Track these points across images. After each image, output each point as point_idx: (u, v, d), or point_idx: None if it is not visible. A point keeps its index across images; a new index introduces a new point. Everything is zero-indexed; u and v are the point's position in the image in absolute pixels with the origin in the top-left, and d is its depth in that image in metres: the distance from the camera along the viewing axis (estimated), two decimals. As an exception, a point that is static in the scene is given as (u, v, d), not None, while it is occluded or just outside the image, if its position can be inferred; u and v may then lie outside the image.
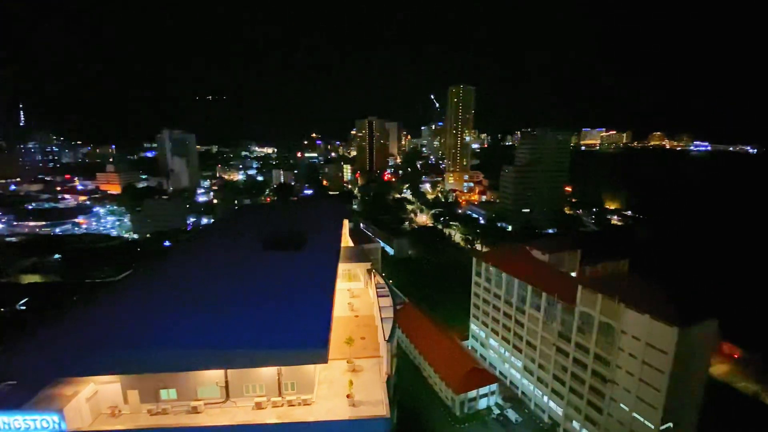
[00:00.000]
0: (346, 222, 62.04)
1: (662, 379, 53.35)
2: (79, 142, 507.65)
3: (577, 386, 67.39)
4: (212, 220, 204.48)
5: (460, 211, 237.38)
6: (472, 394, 75.15)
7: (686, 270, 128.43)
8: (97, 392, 27.39)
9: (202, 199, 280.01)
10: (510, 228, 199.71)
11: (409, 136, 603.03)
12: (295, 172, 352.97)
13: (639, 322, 55.54)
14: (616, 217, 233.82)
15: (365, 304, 43.98)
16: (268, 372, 28.23)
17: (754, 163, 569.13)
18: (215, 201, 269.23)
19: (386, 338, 31.38)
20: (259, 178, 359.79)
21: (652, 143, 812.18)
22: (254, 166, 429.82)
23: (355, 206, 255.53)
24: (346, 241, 59.59)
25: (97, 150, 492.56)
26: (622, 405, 59.46)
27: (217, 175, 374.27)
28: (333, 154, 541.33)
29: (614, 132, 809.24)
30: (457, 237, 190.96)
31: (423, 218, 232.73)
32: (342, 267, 45.89)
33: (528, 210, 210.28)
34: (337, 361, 32.70)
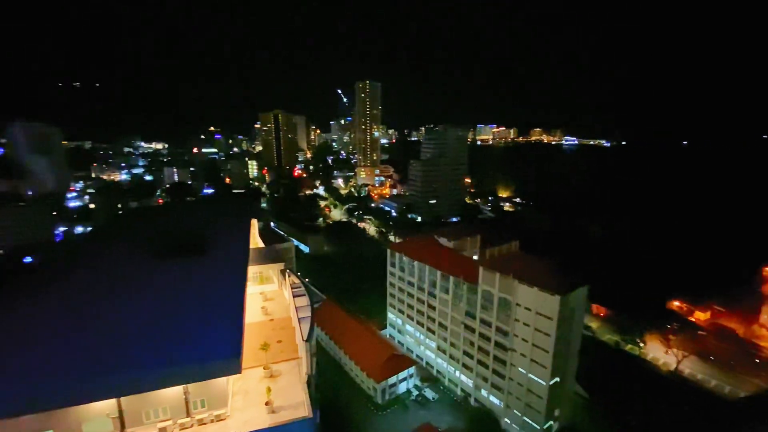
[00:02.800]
0: (254, 222, 58.70)
1: (550, 341, 62.09)
2: None
3: (483, 358, 74.67)
4: (90, 229, 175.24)
5: (373, 204, 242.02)
6: (392, 380, 78.01)
7: (562, 245, 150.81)
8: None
9: (75, 204, 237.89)
10: (419, 219, 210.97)
11: (318, 131, 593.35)
12: (192, 169, 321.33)
13: (529, 294, 63.64)
14: (508, 203, 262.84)
15: (280, 307, 42.33)
16: (172, 392, 25.42)
17: (608, 154, 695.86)
18: (92, 206, 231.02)
19: (304, 338, 30.68)
20: (148, 178, 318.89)
21: (534, 138, 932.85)
22: (141, 164, 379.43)
23: (263, 204, 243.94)
24: (256, 242, 56.48)
25: None
26: (520, 369, 67.69)
27: (93, 175, 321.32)
28: (236, 149, 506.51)
29: (504, 128, 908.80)
30: (372, 230, 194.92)
31: (337, 214, 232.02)
32: (252, 270, 43.39)
33: (434, 201, 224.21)
34: (253, 369, 31.01)
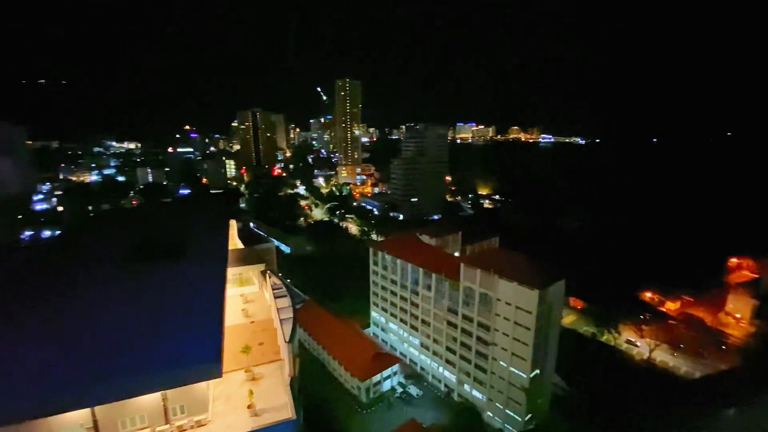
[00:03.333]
0: (233, 223, 57.66)
1: (529, 334, 63.55)
2: None
3: (465, 353, 75.76)
4: (58, 233, 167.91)
5: (355, 203, 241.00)
6: (377, 378, 78.18)
7: (540, 240, 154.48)
8: None
9: (41, 207, 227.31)
10: (401, 217, 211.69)
11: (297, 129, 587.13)
12: (167, 169, 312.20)
13: (509, 289, 64.94)
14: (487, 201, 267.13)
15: (261, 308, 41.80)
16: (149, 399, 24.77)
17: (583, 151, 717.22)
18: (61, 208, 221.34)
19: (286, 339, 30.43)
20: (120, 179, 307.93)
21: (512, 136, 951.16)
22: (112, 164, 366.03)
23: (242, 205, 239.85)
24: (235, 243, 55.50)
25: None
26: (501, 362, 69.04)
27: (61, 176, 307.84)
28: (212, 148, 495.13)
29: (482, 126, 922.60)
30: (354, 229, 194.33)
31: (318, 213, 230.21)
32: (231, 272, 42.65)
33: (416, 199, 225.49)
34: (234, 373, 30.55)
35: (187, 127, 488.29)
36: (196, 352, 24.06)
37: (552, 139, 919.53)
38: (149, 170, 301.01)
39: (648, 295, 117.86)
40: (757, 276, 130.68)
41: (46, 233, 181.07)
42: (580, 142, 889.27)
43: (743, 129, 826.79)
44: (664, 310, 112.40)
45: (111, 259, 37.23)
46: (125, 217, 71.13)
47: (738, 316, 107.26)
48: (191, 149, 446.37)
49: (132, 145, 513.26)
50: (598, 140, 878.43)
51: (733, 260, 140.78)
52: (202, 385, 26.03)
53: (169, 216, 59.11)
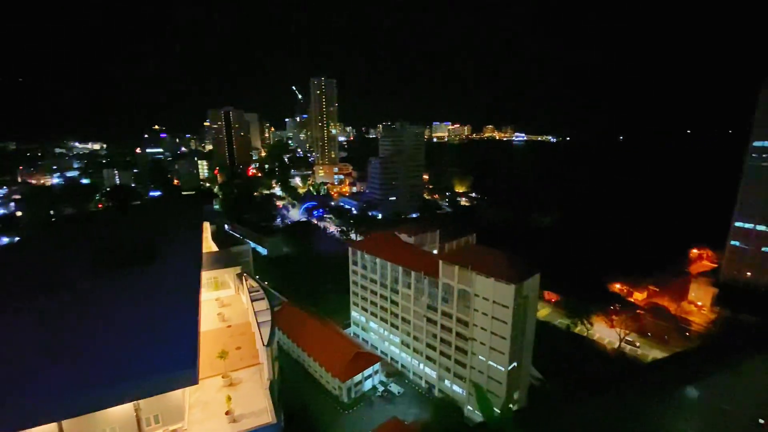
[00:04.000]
0: (206, 225, 56.18)
1: (507, 328, 65.02)
2: None
3: (445, 349, 76.72)
4: (17, 239, 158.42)
5: (333, 203, 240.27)
6: (358, 378, 78.01)
7: (516, 236, 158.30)
8: None
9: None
10: (380, 215, 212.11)
11: (273, 128, 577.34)
12: (136, 171, 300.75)
13: (486, 285, 66.22)
14: (464, 198, 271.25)
15: (238, 312, 40.92)
16: (121, 409, 23.78)
17: (554, 149, 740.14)
18: (19, 213, 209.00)
19: (265, 343, 29.92)
20: (85, 181, 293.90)
21: (487, 135, 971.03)
22: (76, 165, 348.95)
23: (216, 206, 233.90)
24: (209, 245, 54.09)
25: None
26: (480, 357, 70.32)
27: (20, 179, 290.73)
28: (184, 148, 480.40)
29: (458, 125, 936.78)
30: (333, 229, 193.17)
31: (296, 213, 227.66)
32: (206, 275, 41.58)
33: (394, 198, 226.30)
34: (211, 379, 29.79)
35: (157, 127, 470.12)
36: (170, 359, 23.26)
37: (524, 138, 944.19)
38: (116, 172, 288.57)
39: (617, 286, 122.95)
40: (715, 265, 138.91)
41: (4, 240, 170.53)
42: (552, 140, 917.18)
43: (702, 127, 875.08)
44: (632, 300, 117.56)
45: (76, 265, 35.48)
46: (91, 221, 67.97)
47: (699, 304, 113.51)
48: (161, 150, 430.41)
49: (97, 146, 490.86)
50: (568, 138, 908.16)
51: (694, 251, 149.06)
52: (178, 393, 25.24)
53: (140, 219, 56.92)
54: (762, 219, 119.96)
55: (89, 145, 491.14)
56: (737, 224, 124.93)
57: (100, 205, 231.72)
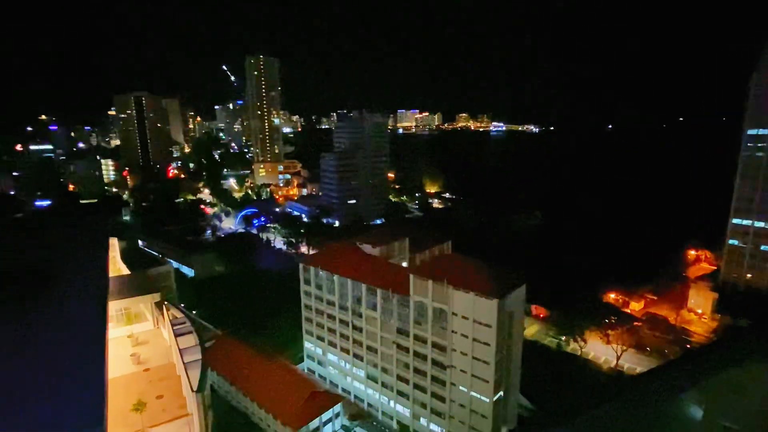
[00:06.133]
0: (114, 242, 53.41)
1: (490, 351, 66.60)
2: None
3: (420, 381, 77.27)
4: None
5: (278, 209, 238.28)
6: (315, 423, 76.71)
7: (497, 242, 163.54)
8: None
9: None
10: (337, 223, 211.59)
11: (199, 118, 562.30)
12: (16, 174, 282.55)
13: (465, 301, 67.58)
14: (437, 200, 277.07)
15: (158, 351, 39.09)
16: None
17: (538, 140, 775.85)
18: None
19: (194, 389, 28.70)
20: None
21: (460, 125, 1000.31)
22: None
23: (127, 217, 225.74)
24: (118, 267, 51.46)
25: None
26: (461, 387, 71.47)
27: None
28: (82, 144, 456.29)
29: (427, 114, 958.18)
30: (279, 241, 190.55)
31: (231, 223, 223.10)
32: (114, 306, 39.39)
33: (354, 201, 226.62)
34: (123, 439, 28.06)
35: (44, 117, 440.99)
36: (68, 417, 21.71)
37: (503, 128, 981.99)
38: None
39: (612, 296, 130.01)
40: (715, 268, 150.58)
41: None
42: (534, 130, 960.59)
43: (695, 114, 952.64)
44: (628, 311, 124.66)
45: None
46: (-47, 241, 62.46)
47: (699, 311, 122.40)
48: (51, 146, 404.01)
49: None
50: (552, 128, 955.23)
51: (692, 252, 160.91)
52: (77, 461, 23.49)
53: (22, 237, 52.98)
54: (760, 214, 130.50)
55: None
56: (735, 221, 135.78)
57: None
